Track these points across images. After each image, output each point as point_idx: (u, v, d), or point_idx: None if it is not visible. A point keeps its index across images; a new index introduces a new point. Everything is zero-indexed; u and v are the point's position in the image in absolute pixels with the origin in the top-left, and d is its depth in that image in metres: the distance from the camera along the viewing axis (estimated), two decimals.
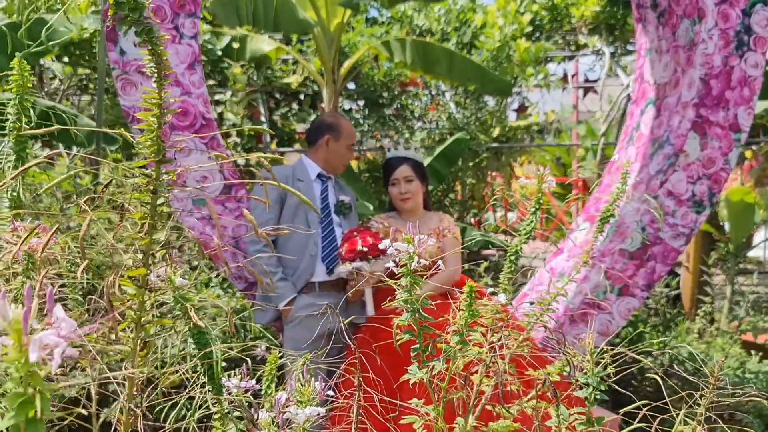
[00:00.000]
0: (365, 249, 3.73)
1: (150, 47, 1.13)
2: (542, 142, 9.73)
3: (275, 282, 3.85)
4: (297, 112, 7.88)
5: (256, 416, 1.24)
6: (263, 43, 6.83)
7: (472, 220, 8.52)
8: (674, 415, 1.33)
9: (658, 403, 1.31)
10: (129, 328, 1.14)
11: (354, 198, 4.41)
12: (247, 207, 4.02)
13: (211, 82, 6.66)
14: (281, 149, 7.90)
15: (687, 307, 7.22)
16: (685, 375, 1.55)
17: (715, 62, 4.30)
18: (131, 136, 1.19)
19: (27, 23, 4.14)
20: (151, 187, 1.17)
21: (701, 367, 1.46)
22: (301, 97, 8.02)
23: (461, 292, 1.46)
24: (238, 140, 6.64)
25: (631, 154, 4.80)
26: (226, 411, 1.27)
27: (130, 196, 1.17)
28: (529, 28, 8.19)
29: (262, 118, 7.57)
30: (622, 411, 1.32)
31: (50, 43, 3.51)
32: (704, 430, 1.24)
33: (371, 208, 6.19)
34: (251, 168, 5.96)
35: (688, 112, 4.35)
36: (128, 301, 1.15)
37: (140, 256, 1.16)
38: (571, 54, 8.98)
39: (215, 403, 1.26)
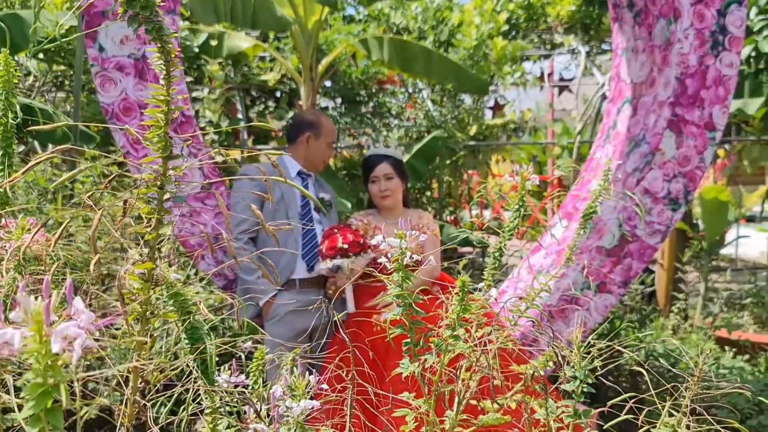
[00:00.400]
0: (345, 246, 3.74)
1: (160, 44, 1.14)
2: (518, 141, 9.79)
3: (255, 279, 3.85)
4: (274, 109, 7.87)
5: (251, 410, 1.25)
6: (241, 41, 6.81)
7: (449, 217, 8.55)
8: (659, 408, 1.36)
9: (643, 396, 1.34)
10: (135, 321, 1.15)
11: (334, 196, 4.42)
12: (227, 204, 4.01)
13: (188, 79, 6.63)
14: (258, 147, 7.88)
15: (662, 303, 7.30)
16: (670, 369, 1.58)
17: (690, 62, 4.36)
18: (135, 132, 1.19)
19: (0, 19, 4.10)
20: (159, 183, 1.17)
21: (680, 360, 1.48)
22: (278, 94, 8.00)
23: (445, 289, 1.48)
24: (216, 138, 6.62)
25: (608, 152, 4.84)
26: (218, 406, 1.27)
27: (136, 191, 1.18)
28: (506, 27, 8.24)
29: (239, 116, 7.55)
30: (609, 404, 1.34)
31: (43, 44, 3.47)
32: (690, 421, 1.27)
33: (349, 206, 6.20)
34: (229, 166, 5.95)
35: (664, 111, 4.40)
36: (135, 294, 1.15)
37: (146, 250, 1.17)
38: (546, 53, 9.04)
39: (208, 398, 1.27)
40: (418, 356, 1.40)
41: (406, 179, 4.30)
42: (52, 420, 0.73)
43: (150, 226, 1.14)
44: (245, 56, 7.26)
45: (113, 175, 1.10)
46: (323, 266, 3.82)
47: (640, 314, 6.35)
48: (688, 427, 1.26)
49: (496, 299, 1.87)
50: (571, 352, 1.40)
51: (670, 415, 1.33)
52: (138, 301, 1.15)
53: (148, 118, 1.21)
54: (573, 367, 1.39)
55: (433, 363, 1.37)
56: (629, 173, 4.50)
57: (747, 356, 5.96)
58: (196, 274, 5.11)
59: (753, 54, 6.10)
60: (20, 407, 0.75)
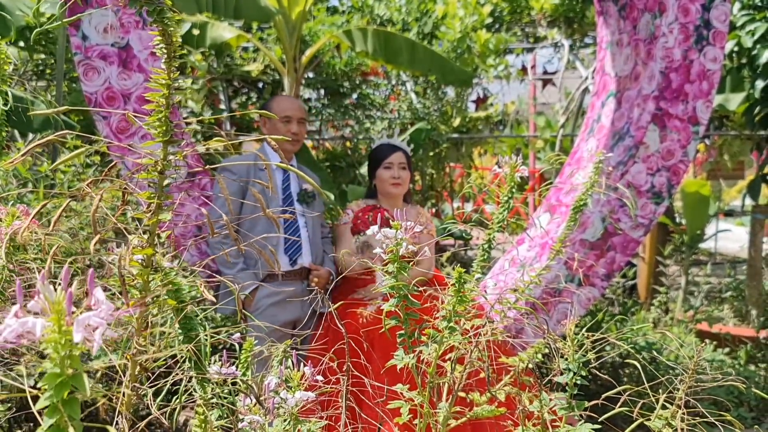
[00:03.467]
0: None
1: (161, 27, 1.12)
2: (501, 134, 9.80)
3: (236, 272, 3.83)
4: (257, 100, 7.82)
5: (245, 401, 1.24)
6: (224, 31, 6.75)
7: (431, 210, 8.55)
8: (652, 402, 1.35)
9: (636, 388, 1.33)
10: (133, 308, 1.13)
11: (319, 184, 4.38)
12: (211, 195, 3.98)
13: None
14: (241, 139, 7.82)
15: (643, 296, 7.34)
16: (653, 362, 1.58)
17: (675, 56, 4.37)
18: (133, 117, 1.17)
19: None
20: (159, 167, 1.16)
21: (661, 353, 1.48)
22: (262, 85, 7.96)
23: (432, 283, 1.47)
24: (198, 128, 6.57)
25: (592, 145, 4.85)
26: (210, 396, 1.26)
27: (137, 177, 1.16)
28: (489, 20, 8.24)
29: (222, 106, 7.51)
30: (603, 396, 1.34)
31: (39, 29, 3.42)
32: (684, 414, 1.27)
33: (332, 197, 6.18)
34: (212, 157, 5.90)
35: (648, 105, 4.41)
36: (134, 280, 1.14)
37: (146, 236, 1.15)
38: (530, 46, 9.04)
39: (200, 388, 1.25)
40: (413, 348, 1.39)
41: (413, 175, 4.33)
42: (69, 410, 0.71)
43: (150, 211, 1.13)
44: (228, 46, 7.21)
45: (111, 165, 1.08)
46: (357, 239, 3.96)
47: (621, 307, 6.39)
48: (682, 419, 1.26)
49: (485, 292, 1.86)
50: (565, 344, 1.39)
51: (663, 407, 1.33)
52: (137, 287, 1.14)
53: (136, 107, 1.19)
54: (566, 359, 1.39)
55: (428, 355, 1.36)
56: (613, 166, 4.51)
57: (727, 349, 6.02)
58: (179, 264, 5.08)
59: (735, 49, 6.13)
60: (35, 399, 0.74)
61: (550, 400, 1.39)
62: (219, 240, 3.77)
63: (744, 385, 1.32)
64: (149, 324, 1.17)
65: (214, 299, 1.22)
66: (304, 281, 4.03)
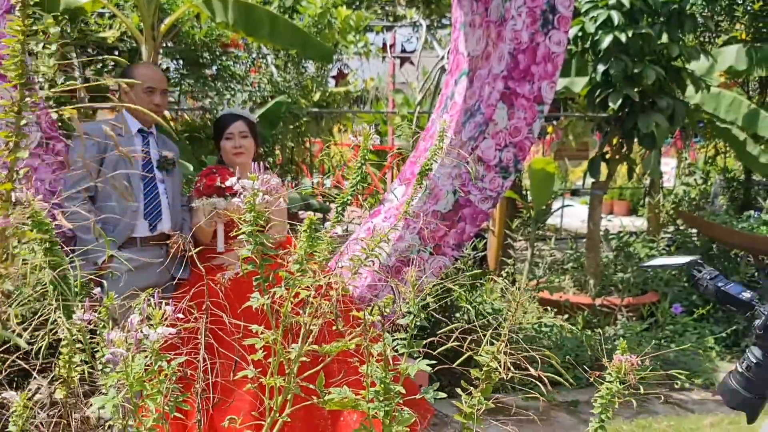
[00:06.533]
0: (223, 186, 3.83)
1: None
2: (360, 110, 9.97)
3: (93, 238, 3.80)
4: (113, 68, 7.63)
5: (109, 337, 1.31)
6: None
7: (290, 183, 8.61)
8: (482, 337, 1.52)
9: (470, 327, 1.50)
10: None
11: (178, 154, 4.39)
12: (65, 161, 3.93)
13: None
14: (95, 104, 7.62)
15: (492, 267, 7.71)
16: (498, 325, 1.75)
17: (522, 38, 4.64)
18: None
19: None
20: (16, 108, 1.21)
21: (503, 318, 1.66)
22: (118, 53, 7.76)
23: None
24: (51, 94, 6.37)
25: (446, 121, 5.07)
26: (74, 338, 1.32)
27: None
28: None
29: (76, 73, 7.29)
30: (439, 333, 1.49)
31: None
32: (507, 347, 1.44)
33: (191, 168, 6.15)
34: (66, 121, 5.75)
35: (497, 84, 4.66)
36: None
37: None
38: (390, 24, 9.23)
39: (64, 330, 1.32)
40: (268, 291, 1.50)
41: (258, 142, 4.39)
42: None
43: (8, 150, 1.18)
44: (83, 11, 6.99)
45: None
46: (198, 203, 3.90)
47: (471, 277, 6.69)
48: (505, 353, 1.43)
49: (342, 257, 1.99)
50: (406, 290, 1.54)
51: (491, 344, 1.50)
52: None
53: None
54: (408, 303, 1.53)
55: (281, 296, 1.47)
56: (465, 141, 4.74)
57: (567, 315, 6.44)
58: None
59: (580, 34, 6.51)
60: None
61: (393, 340, 1.54)
62: (76, 205, 3.72)
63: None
64: (11, 256, 1.22)
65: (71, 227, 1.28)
66: (163, 247, 4.05)
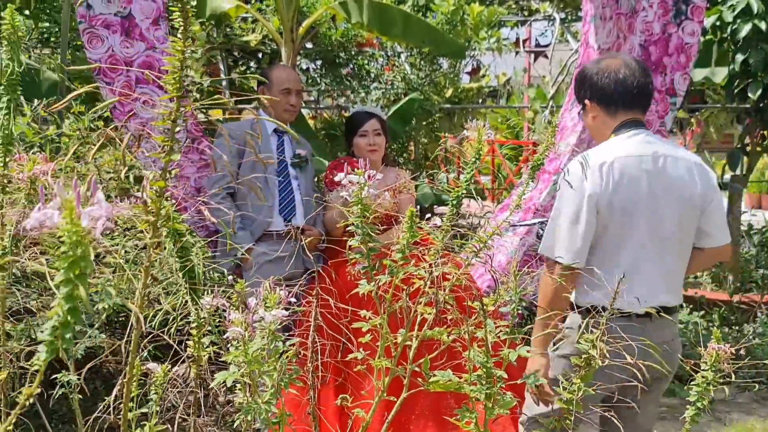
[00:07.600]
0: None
1: (179, 2, 1.34)
2: (492, 105, 9.99)
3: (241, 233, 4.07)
4: (256, 70, 7.99)
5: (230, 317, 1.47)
6: (223, 2, 6.90)
7: (426, 179, 8.74)
8: None
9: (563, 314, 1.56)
10: (147, 229, 1.36)
11: (311, 152, 4.59)
12: (209, 160, 4.20)
13: (171, 39, 6.73)
14: (240, 107, 8.02)
15: None
16: None
17: (654, 29, 4.57)
18: (158, 78, 1.40)
19: None
20: (173, 117, 1.38)
21: None
22: (260, 55, 8.12)
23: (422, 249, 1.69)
24: (198, 96, 6.76)
25: (575, 115, 5.06)
26: (202, 320, 1.49)
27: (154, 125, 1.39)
28: None
29: (222, 76, 7.68)
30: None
31: None
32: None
33: (327, 164, 6.38)
34: (212, 123, 6.10)
35: None
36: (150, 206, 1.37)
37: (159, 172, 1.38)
38: (523, 19, 9.20)
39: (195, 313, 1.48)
40: (375, 279, 1.62)
41: (388, 139, 4.53)
42: (80, 281, 0.94)
43: (164, 152, 1.36)
44: (227, 17, 7.37)
45: (131, 113, 1.30)
46: (333, 196, 4.08)
47: None
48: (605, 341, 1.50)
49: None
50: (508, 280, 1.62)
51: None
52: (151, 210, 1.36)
53: (135, 72, 1.42)
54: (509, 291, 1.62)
55: (383, 283, 1.59)
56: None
57: (702, 312, 6.27)
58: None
59: (718, 23, 6.31)
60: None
61: (496, 327, 1.63)
62: (217, 200, 3.98)
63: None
64: (159, 244, 1.39)
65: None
66: (297, 242, 4.26)
